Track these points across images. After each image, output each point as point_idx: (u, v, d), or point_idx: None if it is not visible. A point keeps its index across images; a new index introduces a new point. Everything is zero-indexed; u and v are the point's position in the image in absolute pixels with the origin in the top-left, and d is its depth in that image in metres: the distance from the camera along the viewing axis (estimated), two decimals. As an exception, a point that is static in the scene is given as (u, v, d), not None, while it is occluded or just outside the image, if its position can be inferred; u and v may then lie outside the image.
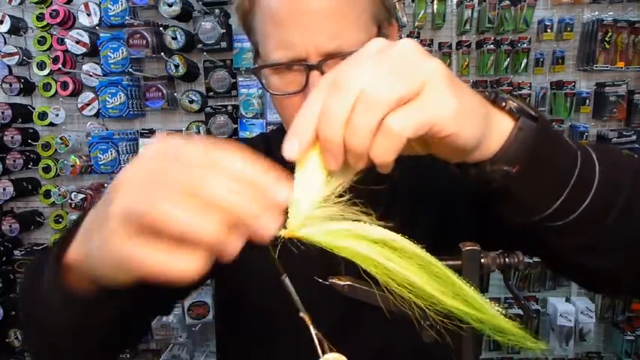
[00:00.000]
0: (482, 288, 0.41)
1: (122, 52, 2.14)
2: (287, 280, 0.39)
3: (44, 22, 2.17)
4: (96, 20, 2.15)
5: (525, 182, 0.44)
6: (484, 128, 0.40)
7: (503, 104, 0.43)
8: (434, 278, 0.37)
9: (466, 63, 2.12)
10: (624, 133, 2.06)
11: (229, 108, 2.17)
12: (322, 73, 0.60)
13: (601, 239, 0.47)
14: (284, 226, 0.36)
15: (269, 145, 0.83)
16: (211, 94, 2.18)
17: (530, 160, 0.43)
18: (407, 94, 0.35)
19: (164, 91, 2.16)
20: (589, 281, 0.58)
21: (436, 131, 0.36)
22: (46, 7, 2.16)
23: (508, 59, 2.09)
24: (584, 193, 0.45)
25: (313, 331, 0.38)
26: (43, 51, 2.23)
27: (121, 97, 2.14)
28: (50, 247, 0.51)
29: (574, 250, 0.49)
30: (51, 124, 2.27)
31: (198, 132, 2.19)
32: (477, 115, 0.40)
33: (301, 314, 0.39)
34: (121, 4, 2.10)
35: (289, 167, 0.37)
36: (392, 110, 0.34)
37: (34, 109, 2.30)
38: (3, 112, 2.21)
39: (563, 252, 0.50)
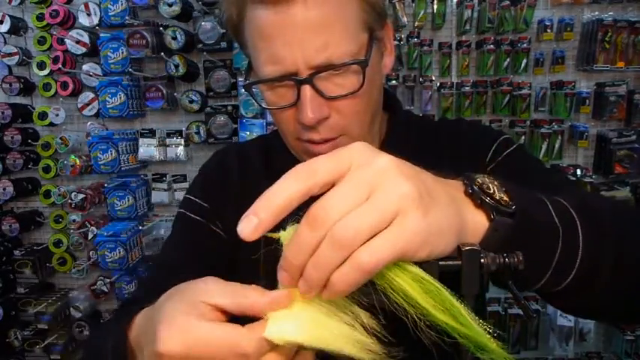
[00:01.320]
0: (482, 288, 0.41)
1: (122, 52, 2.14)
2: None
3: (44, 22, 2.17)
4: (96, 20, 2.15)
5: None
6: (459, 235, 0.40)
7: (479, 201, 0.43)
8: (426, 292, 0.37)
9: (466, 63, 2.12)
10: (624, 133, 2.06)
11: (229, 108, 2.17)
12: (313, 86, 0.60)
13: (594, 299, 0.49)
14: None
15: (269, 152, 0.83)
16: (211, 94, 2.18)
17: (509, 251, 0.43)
18: (377, 228, 0.34)
19: (164, 91, 2.16)
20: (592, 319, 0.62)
21: (407, 257, 0.36)
22: (46, 7, 2.16)
23: (508, 59, 2.09)
24: (568, 268, 0.46)
25: None
26: (43, 51, 2.23)
27: (121, 97, 2.14)
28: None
29: (571, 309, 0.53)
30: (51, 124, 2.27)
31: (198, 132, 2.19)
32: (451, 227, 0.39)
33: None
34: (121, 4, 2.10)
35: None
36: (359, 245, 0.34)
37: (34, 109, 2.30)
38: (3, 112, 2.21)
39: (562, 310, 0.55)
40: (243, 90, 2.14)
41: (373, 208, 0.34)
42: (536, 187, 0.50)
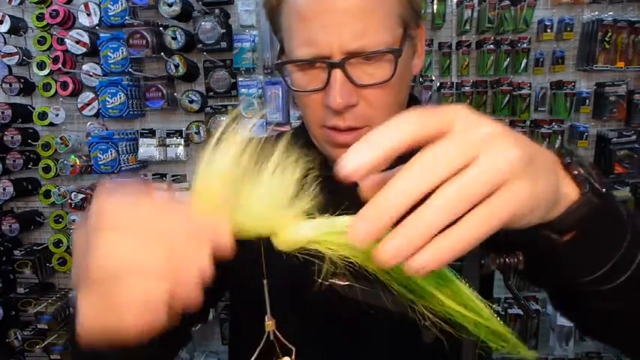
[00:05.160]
0: (486, 290, 0.41)
1: (122, 52, 2.14)
2: (265, 285, 0.40)
3: (44, 22, 2.17)
4: (96, 20, 2.15)
5: (570, 251, 0.43)
6: (554, 204, 0.39)
7: (575, 172, 0.41)
8: (432, 276, 0.37)
9: (466, 63, 2.12)
10: (624, 133, 2.06)
11: (229, 108, 2.17)
12: (344, 71, 0.61)
13: (631, 314, 0.47)
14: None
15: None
16: (211, 94, 2.18)
17: (582, 234, 0.42)
18: (485, 194, 0.31)
19: (164, 91, 2.16)
20: (622, 346, 0.56)
21: (513, 224, 0.34)
22: (46, 7, 2.16)
23: (508, 59, 2.08)
24: (625, 267, 0.45)
25: (271, 336, 0.40)
26: (43, 51, 2.23)
27: (120, 97, 2.14)
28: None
29: (614, 314, 0.49)
30: (51, 124, 2.27)
31: (198, 132, 2.19)
32: (551, 195, 0.37)
33: (267, 319, 0.41)
34: (121, 4, 2.10)
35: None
36: (467, 209, 0.31)
37: (34, 109, 2.30)
38: (3, 112, 2.21)
39: (603, 316, 0.50)
40: (243, 90, 2.14)
41: (483, 171, 0.31)
42: None
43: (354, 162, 0.31)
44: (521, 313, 2.14)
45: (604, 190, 0.42)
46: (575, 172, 0.41)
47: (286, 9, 0.64)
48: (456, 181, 0.31)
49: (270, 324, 0.44)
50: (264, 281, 0.41)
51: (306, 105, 0.68)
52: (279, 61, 0.68)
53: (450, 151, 0.31)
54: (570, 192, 0.41)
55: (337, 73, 0.61)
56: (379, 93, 0.63)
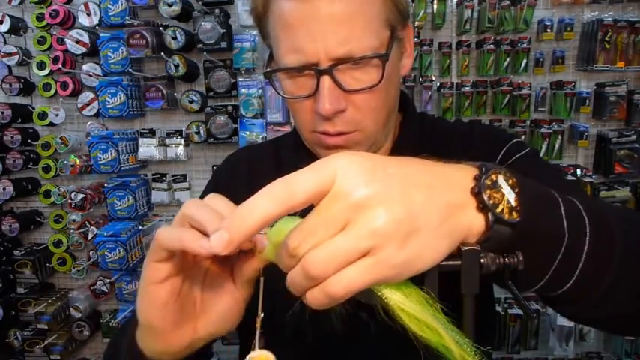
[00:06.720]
0: (487, 290, 0.41)
1: (122, 52, 2.14)
2: (262, 282, 0.41)
3: (44, 22, 2.17)
4: (96, 20, 2.15)
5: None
6: (449, 248, 0.38)
7: (481, 205, 0.39)
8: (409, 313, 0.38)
9: (466, 63, 2.12)
10: (624, 133, 2.06)
11: (229, 108, 2.17)
12: (333, 77, 0.61)
13: (594, 307, 0.47)
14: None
15: (279, 154, 0.84)
16: (211, 94, 2.18)
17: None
18: (347, 261, 0.35)
19: (164, 91, 2.16)
20: (600, 329, 0.58)
21: (382, 283, 0.37)
22: (46, 7, 2.16)
23: (508, 59, 2.09)
24: (567, 276, 0.44)
25: (257, 334, 0.40)
26: (43, 51, 2.23)
27: (120, 97, 2.14)
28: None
29: (570, 315, 0.51)
30: (51, 124, 2.27)
31: (198, 132, 2.19)
32: (436, 249, 0.37)
33: (257, 320, 0.41)
34: (121, 4, 2.10)
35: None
36: (329, 275, 0.35)
37: (34, 109, 2.30)
38: (3, 112, 2.21)
39: (561, 314, 0.52)
40: (242, 90, 2.14)
41: (344, 243, 0.34)
42: None
43: (219, 244, 0.35)
44: (521, 313, 2.14)
45: (517, 219, 0.40)
46: (482, 205, 0.39)
47: (272, 17, 0.64)
48: (314, 254, 0.34)
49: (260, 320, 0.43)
50: (261, 278, 0.41)
51: (296, 111, 0.68)
52: (267, 70, 0.68)
53: (320, 224, 0.35)
54: (479, 222, 0.40)
55: (326, 80, 0.61)
56: (367, 97, 0.64)
